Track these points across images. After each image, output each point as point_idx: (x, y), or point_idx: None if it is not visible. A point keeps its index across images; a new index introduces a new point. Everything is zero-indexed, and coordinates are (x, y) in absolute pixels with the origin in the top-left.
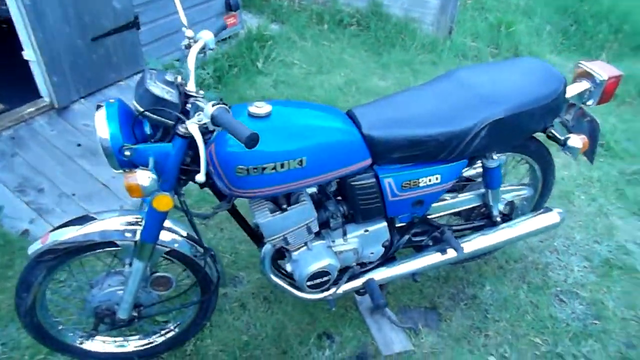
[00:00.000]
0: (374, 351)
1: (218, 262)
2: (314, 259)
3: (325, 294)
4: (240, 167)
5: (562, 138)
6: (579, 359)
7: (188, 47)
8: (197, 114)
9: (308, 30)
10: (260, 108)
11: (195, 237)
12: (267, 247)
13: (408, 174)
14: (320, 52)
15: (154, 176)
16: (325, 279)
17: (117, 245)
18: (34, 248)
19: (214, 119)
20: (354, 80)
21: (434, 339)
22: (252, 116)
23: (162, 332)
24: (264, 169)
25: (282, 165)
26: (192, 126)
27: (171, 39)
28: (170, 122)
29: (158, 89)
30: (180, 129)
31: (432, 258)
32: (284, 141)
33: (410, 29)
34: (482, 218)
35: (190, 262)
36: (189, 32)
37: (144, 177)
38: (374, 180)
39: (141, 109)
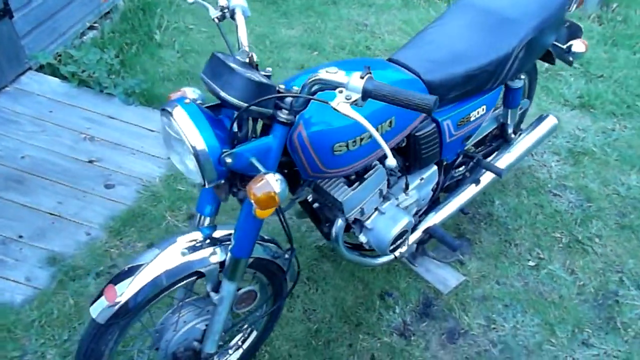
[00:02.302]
0: (433, 293)
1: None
2: (393, 221)
3: (396, 253)
4: (339, 143)
5: (565, 46)
6: (593, 239)
7: (222, 18)
8: (337, 90)
9: None
10: (337, 74)
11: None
12: (339, 224)
13: (462, 111)
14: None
15: (280, 176)
16: (403, 238)
17: (199, 275)
18: (99, 309)
19: (368, 93)
20: (262, 34)
21: (477, 264)
22: None
23: (230, 352)
24: (361, 139)
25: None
26: (343, 107)
27: (51, 24)
28: (270, 110)
29: (252, 74)
30: (282, 115)
31: (473, 189)
32: (371, 104)
33: None
34: (496, 139)
35: (265, 266)
36: (222, 1)
37: (274, 182)
38: (434, 125)
39: (243, 104)
